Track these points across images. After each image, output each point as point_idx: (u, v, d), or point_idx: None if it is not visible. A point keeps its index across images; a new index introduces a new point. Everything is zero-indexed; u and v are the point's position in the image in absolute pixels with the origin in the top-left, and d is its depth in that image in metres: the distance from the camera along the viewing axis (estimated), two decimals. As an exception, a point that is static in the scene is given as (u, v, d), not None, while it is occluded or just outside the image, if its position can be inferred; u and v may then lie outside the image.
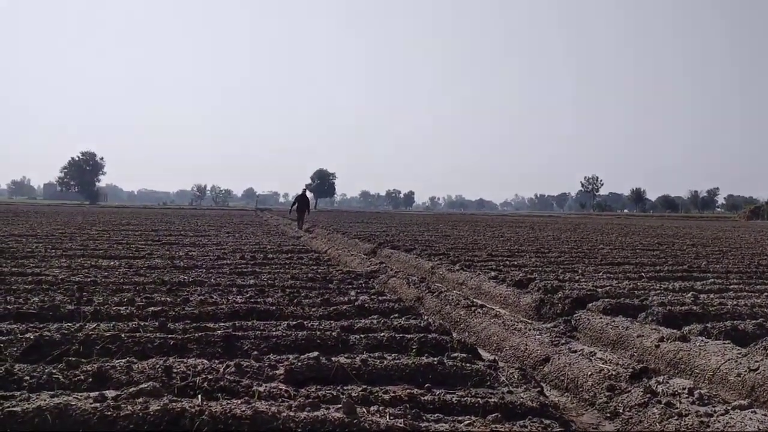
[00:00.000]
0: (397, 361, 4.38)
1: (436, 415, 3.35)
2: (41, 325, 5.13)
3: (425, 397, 3.66)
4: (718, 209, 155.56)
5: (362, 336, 5.07)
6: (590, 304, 7.14)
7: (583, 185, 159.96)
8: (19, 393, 3.31)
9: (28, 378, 3.73)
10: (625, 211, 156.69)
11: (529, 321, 7.09)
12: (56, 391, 3.45)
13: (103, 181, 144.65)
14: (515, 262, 12.03)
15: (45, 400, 3.12)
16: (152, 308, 5.97)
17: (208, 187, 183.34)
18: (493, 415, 3.37)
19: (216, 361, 4.23)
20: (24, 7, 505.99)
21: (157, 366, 3.95)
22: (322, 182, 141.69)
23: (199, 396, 3.40)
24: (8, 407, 3.05)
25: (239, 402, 3.23)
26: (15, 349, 4.39)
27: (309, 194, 28.07)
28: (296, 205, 25.67)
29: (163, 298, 6.65)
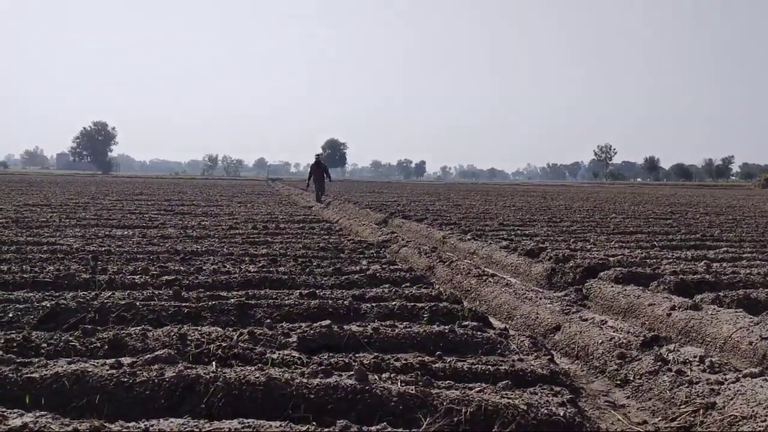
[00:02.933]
0: (409, 329, 4.41)
1: (447, 382, 3.38)
2: (57, 294, 5.20)
3: (436, 365, 3.69)
4: (733, 177, 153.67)
5: (374, 305, 5.10)
6: (602, 273, 7.12)
7: (596, 154, 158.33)
8: (36, 360, 3.37)
9: (45, 345, 3.79)
10: (639, 179, 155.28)
11: (540, 290, 7.10)
12: (73, 357, 3.50)
13: (115, 151, 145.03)
14: (527, 232, 11.99)
15: (62, 367, 3.17)
16: (166, 277, 6.03)
17: (220, 158, 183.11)
18: (504, 382, 3.39)
19: (230, 329, 4.28)
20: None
21: (172, 333, 4.00)
22: (333, 152, 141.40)
23: (214, 363, 3.45)
24: (26, 373, 3.11)
25: (253, 369, 3.27)
26: (32, 316, 4.46)
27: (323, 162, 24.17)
28: (312, 176, 23.16)
29: (176, 267, 6.70)
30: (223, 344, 3.84)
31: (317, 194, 22.92)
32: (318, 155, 24.24)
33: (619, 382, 4.14)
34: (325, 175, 23.13)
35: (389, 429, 2.71)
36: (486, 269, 8.10)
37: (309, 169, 23.70)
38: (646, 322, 5.60)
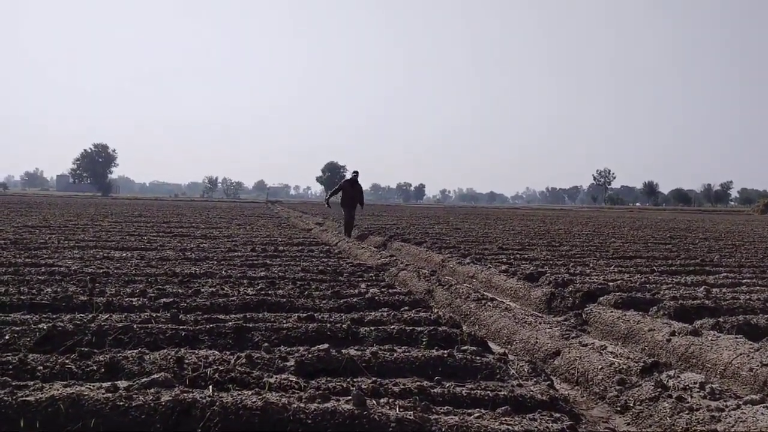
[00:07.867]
0: (407, 353, 4.38)
1: (445, 407, 3.35)
2: (54, 316, 5.17)
3: (435, 390, 3.66)
4: (732, 203, 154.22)
5: (372, 328, 5.08)
6: (601, 298, 7.10)
7: (595, 178, 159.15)
8: (32, 383, 3.34)
9: (41, 368, 3.76)
10: (638, 204, 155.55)
11: (540, 314, 7.06)
12: (69, 381, 3.48)
13: (116, 173, 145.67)
14: (526, 256, 11.99)
15: (58, 390, 3.15)
16: (164, 300, 6.00)
17: (220, 180, 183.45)
18: (503, 408, 3.37)
19: (227, 353, 4.25)
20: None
21: (169, 357, 3.97)
22: (333, 175, 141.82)
23: (210, 387, 3.42)
24: (22, 396, 3.08)
25: (250, 393, 3.25)
26: (28, 339, 4.43)
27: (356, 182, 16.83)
28: (342, 197, 16.40)
29: (174, 290, 6.68)
30: (221, 368, 3.81)
31: (346, 224, 16.66)
32: (355, 172, 17.05)
33: (619, 409, 4.11)
34: (360, 202, 16.62)
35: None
36: (485, 293, 8.07)
37: (338, 186, 16.87)
38: (646, 348, 5.57)
